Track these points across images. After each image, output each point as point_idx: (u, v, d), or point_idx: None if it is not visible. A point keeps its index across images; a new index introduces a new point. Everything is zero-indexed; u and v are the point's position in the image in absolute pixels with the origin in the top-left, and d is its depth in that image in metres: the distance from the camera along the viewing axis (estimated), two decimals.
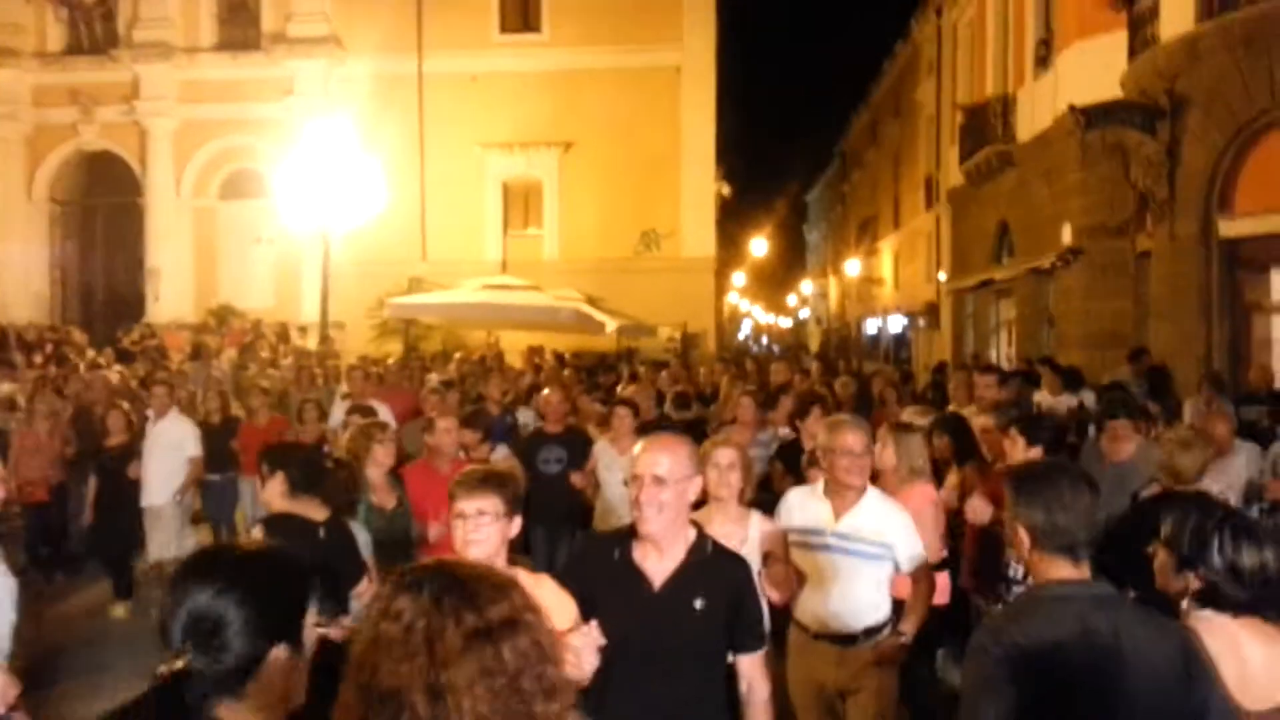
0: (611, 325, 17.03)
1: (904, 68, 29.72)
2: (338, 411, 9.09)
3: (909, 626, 4.06)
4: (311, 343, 17.77)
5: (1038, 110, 15.92)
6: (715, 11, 22.85)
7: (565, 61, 22.35)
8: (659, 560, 2.97)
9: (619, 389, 10.48)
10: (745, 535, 4.04)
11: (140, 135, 23.06)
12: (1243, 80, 10.97)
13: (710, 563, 3.01)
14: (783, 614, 4.19)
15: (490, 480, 3.10)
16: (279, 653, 1.63)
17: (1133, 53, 12.42)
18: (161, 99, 22.82)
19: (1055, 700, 2.19)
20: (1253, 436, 6.51)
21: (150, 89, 22.80)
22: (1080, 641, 2.22)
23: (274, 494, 4.13)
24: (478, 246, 22.75)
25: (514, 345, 18.62)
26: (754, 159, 61.33)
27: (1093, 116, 12.39)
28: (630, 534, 3.03)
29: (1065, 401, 9.18)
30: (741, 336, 58.48)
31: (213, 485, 8.84)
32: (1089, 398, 9.10)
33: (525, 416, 8.89)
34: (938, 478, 5.55)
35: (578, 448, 7.14)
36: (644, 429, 6.19)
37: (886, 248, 33.68)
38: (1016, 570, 4.31)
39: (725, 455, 4.13)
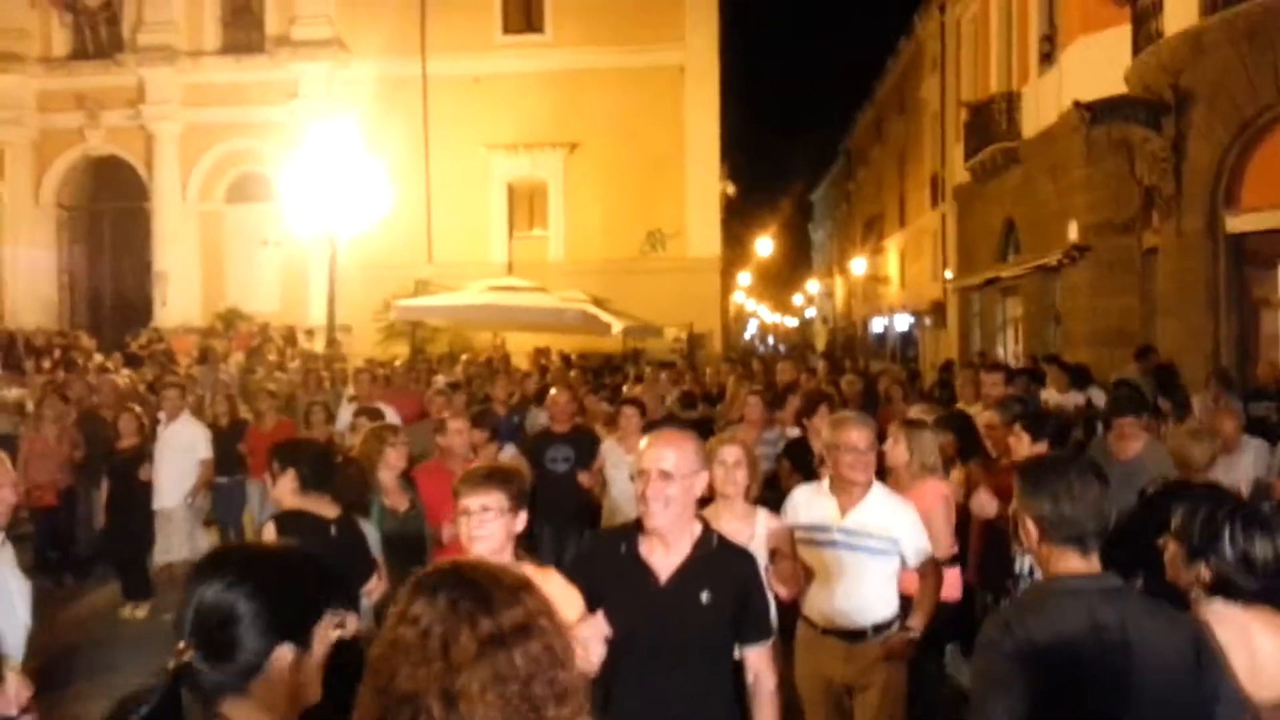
0: (617, 326, 17.04)
1: (908, 65, 29.67)
2: (345, 414, 9.12)
3: (917, 622, 4.07)
4: (318, 346, 17.84)
5: (1042, 106, 15.90)
6: (718, 10, 22.87)
7: (568, 62, 22.38)
8: (665, 555, 2.98)
9: (624, 390, 10.51)
10: (752, 532, 4.05)
11: (146, 139, 23.15)
12: (1247, 75, 10.94)
13: (716, 556, 3.01)
14: (791, 610, 4.20)
15: (494, 476, 3.11)
16: (285, 652, 1.63)
17: (1137, 48, 12.39)
18: (166, 103, 22.91)
19: (1065, 694, 2.19)
20: (1261, 433, 6.49)
21: (155, 93, 22.89)
22: (1089, 635, 2.21)
23: (285, 491, 4.14)
24: (483, 248, 22.78)
25: (520, 347, 18.65)
26: (759, 158, 61.41)
27: (1098, 112, 12.38)
28: (636, 529, 3.03)
29: (1073, 399, 9.16)
30: (748, 336, 58.47)
31: (221, 488, 8.88)
32: (1097, 395, 9.08)
33: (540, 418, 8.91)
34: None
35: (585, 447, 7.18)
36: (650, 428, 6.20)
37: (892, 246, 33.64)
38: (1022, 564, 4.30)
39: (731, 453, 4.13)
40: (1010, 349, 19.16)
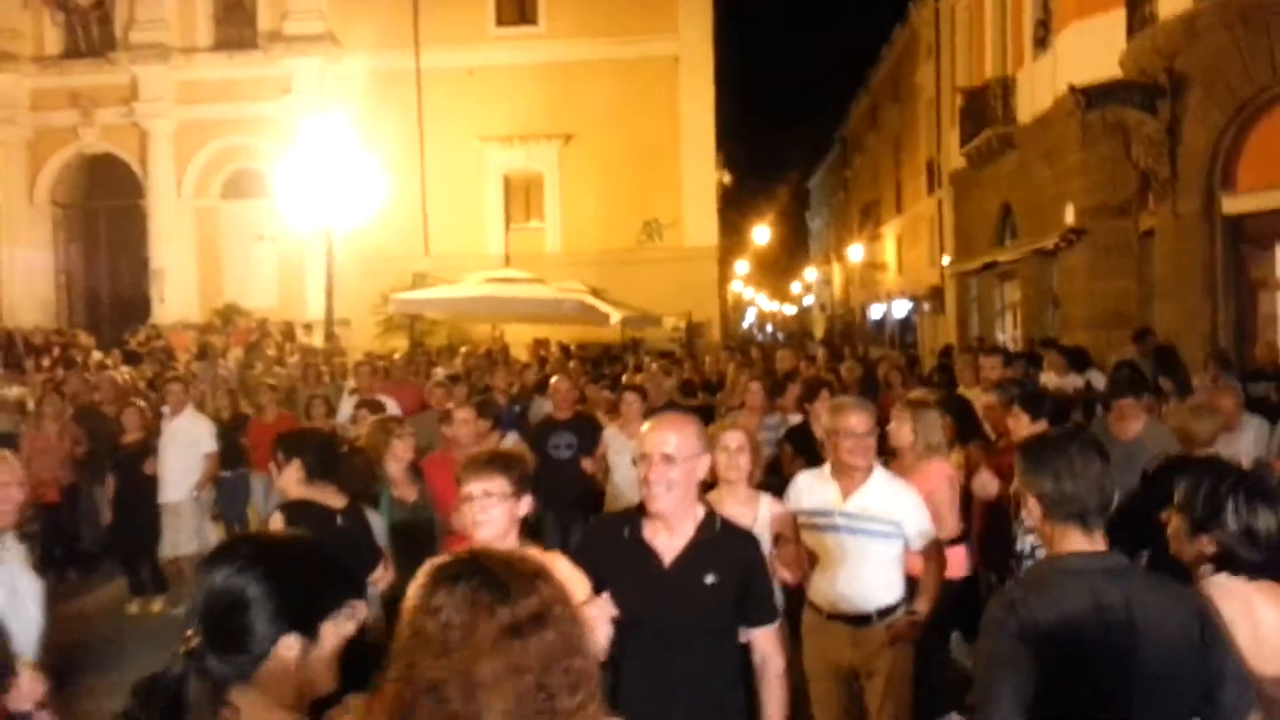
0: (616, 316, 17.03)
1: (902, 51, 29.62)
2: (346, 407, 9.14)
3: (922, 605, 4.09)
4: (317, 340, 17.84)
5: (1037, 91, 15.89)
6: (711, 0, 22.81)
7: (562, 53, 22.33)
8: (669, 538, 2.99)
9: (624, 380, 10.52)
10: (755, 517, 4.06)
11: (140, 137, 23.10)
12: (1242, 57, 10.94)
13: (720, 539, 3.02)
14: (796, 595, 4.22)
15: (496, 461, 3.11)
16: (292, 641, 1.64)
17: (1131, 31, 12.38)
18: (160, 100, 22.86)
19: (1070, 674, 2.20)
20: (1261, 413, 6.50)
21: (148, 90, 22.83)
22: (1094, 615, 2.22)
23: (290, 481, 4.14)
24: (480, 240, 22.76)
25: (519, 338, 18.65)
26: (754, 146, 61.20)
27: (1093, 96, 12.37)
28: (640, 512, 3.04)
29: (1072, 382, 9.17)
30: (746, 325, 58.46)
31: (224, 482, 8.90)
32: (1096, 378, 9.09)
33: (544, 407, 8.92)
34: None
35: (587, 434, 7.23)
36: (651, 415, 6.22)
37: (889, 232, 33.63)
38: (1024, 543, 4.33)
39: (734, 438, 4.15)
40: (1009, 333, 19.17)
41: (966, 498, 5.32)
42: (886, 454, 4.98)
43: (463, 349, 16.17)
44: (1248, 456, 5.63)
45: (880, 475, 4.14)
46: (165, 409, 8.72)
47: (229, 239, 23.42)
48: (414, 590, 1.49)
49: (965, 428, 5.89)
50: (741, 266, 49.44)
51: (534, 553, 2.80)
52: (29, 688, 3.03)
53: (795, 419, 7.09)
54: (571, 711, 1.41)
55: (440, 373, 11.18)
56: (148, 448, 8.11)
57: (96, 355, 16.45)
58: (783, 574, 4.02)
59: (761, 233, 45.63)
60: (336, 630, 1.73)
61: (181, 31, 23.16)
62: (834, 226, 48.98)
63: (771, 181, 52.67)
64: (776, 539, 4.09)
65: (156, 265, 22.93)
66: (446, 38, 22.41)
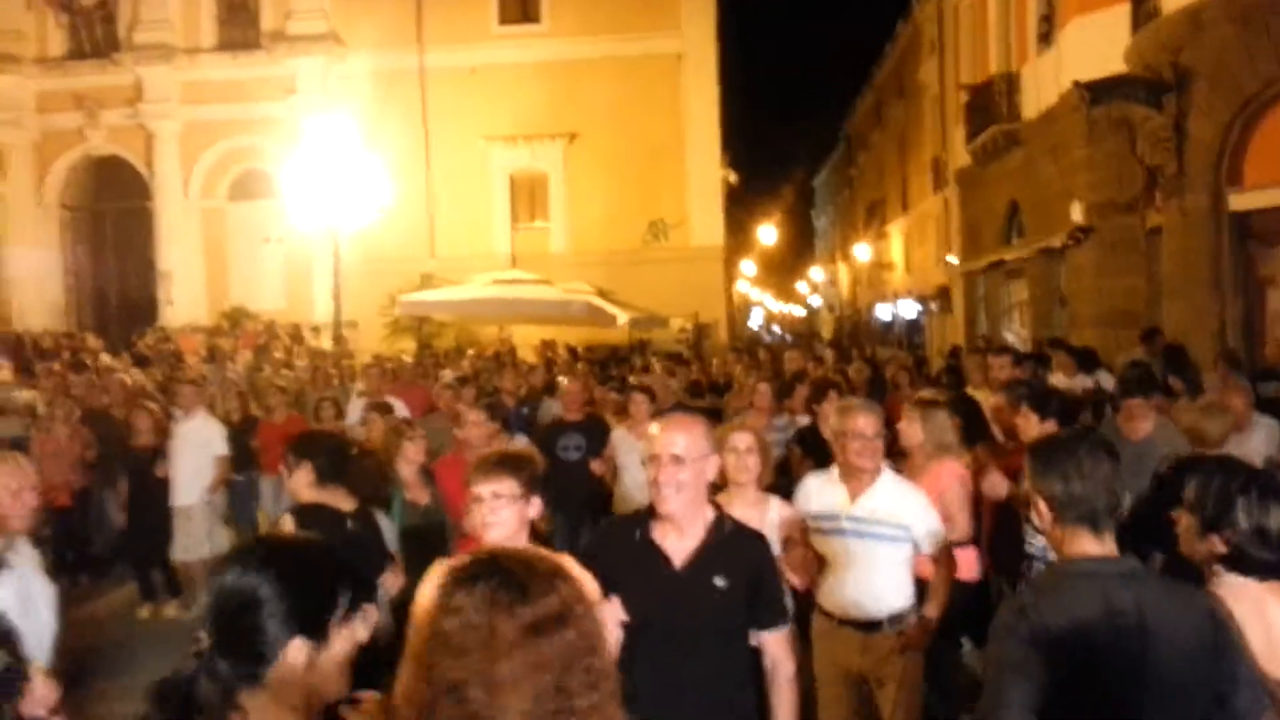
0: (623, 317, 17.04)
1: (906, 48, 29.57)
2: (354, 409, 9.15)
3: (932, 610, 4.07)
4: (325, 343, 17.86)
5: (1042, 87, 15.84)
6: None
7: (565, 52, 22.34)
8: (679, 539, 2.98)
9: (632, 381, 10.52)
10: (764, 519, 4.03)
11: (146, 138, 23.17)
12: (1247, 52, 10.89)
13: (730, 541, 3.02)
14: (805, 599, 4.21)
15: (505, 463, 3.11)
16: (300, 644, 1.64)
17: (1135, 26, 12.35)
18: (165, 101, 22.93)
19: (1081, 680, 2.19)
20: (1271, 413, 6.47)
21: (153, 91, 22.90)
22: (1105, 620, 2.20)
23: (301, 484, 4.14)
24: (486, 240, 22.78)
25: (526, 340, 18.68)
26: (759, 145, 61.32)
27: (1098, 92, 12.31)
28: (649, 514, 3.03)
29: (1080, 383, 9.12)
30: (754, 326, 58.37)
31: (235, 485, 8.91)
32: (1105, 378, 9.04)
33: (553, 408, 8.93)
34: None
35: (596, 435, 7.24)
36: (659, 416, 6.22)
37: (896, 231, 33.57)
38: (1033, 543, 4.31)
39: (743, 439, 4.14)
40: (1017, 333, 19.12)
41: (975, 501, 5.30)
42: (897, 455, 4.97)
43: (470, 351, 16.20)
44: (1258, 456, 5.60)
45: (888, 477, 4.12)
46: (177, 411, 8.73)
47: (236, 240, 23.48)
48: (432, 591, 1.50)
49: (973, 429, 5.86)
50: (748, 267, 49.37)
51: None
52: (42, 693, 3.04)
53: (803, 420, 7.08)
54: (589, 710, 1.42)
55: (448, 375, 11.21)
56: (159, 451, 8.13)
57: (105, 359, 16.48)
58: (790, 578, 4.01)
59: (767, 232, 45.54)
60: (349, 634, 1.72)
61: (185, 32, 23.23)
62: (840, 225, 48.92)
63: (776, 180, 52.80)
64: (785, 542, 4.08)
65: (164, 267, 23.00)
66: (450, 37, 22.43)
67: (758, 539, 3.18)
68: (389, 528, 4.63)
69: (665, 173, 22.58)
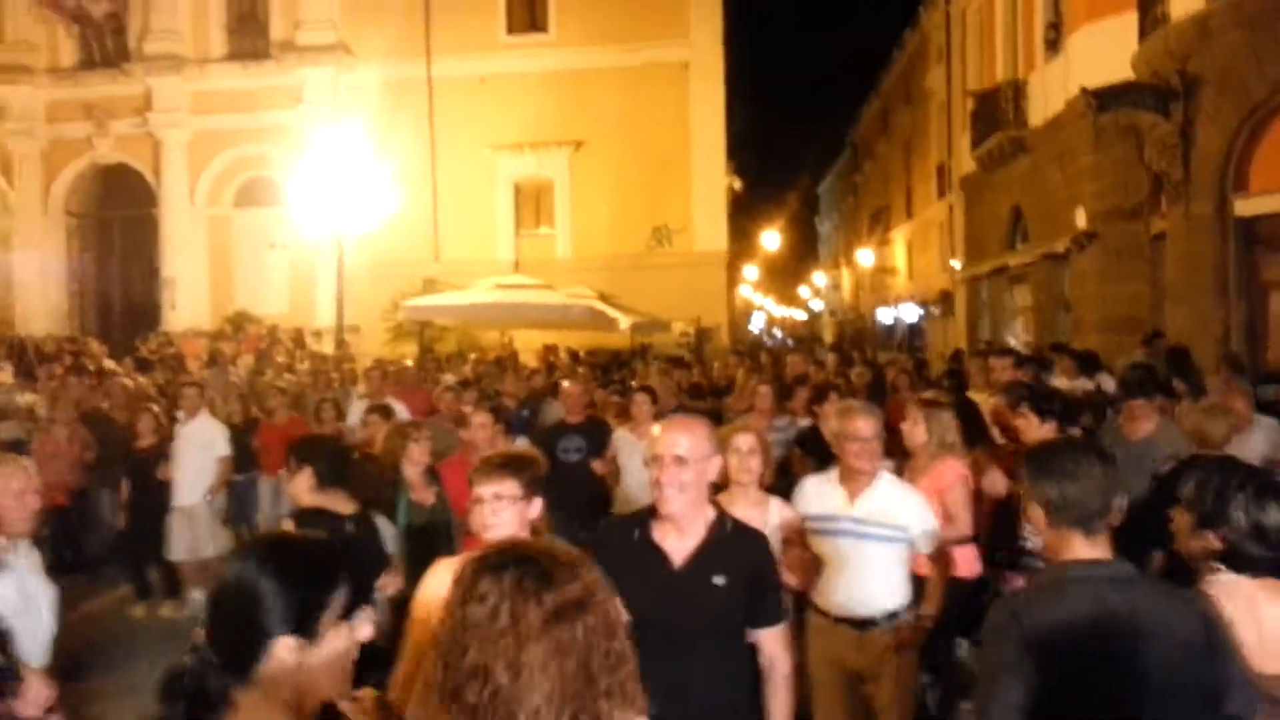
0: (625, 322, 17.06)
1: (913, 55, 29.62)
2: (355, 411, 9.16)
3: (929, 609, 4.08)
4: (327, 347, 17.90)
5: (1049, 94, 15.85)
6: (721, 6, 22.86)
7: (573, 61, 22.40)
8: (679, 539, 2.99)
9: (633, 385, 10.53)
10: (765, 520, 4.04)
11: (154, 147, 23.27)
12: (1255, 58, 10.89)
13: (730, 540, 3.02)
14: (803, 599, 4.21)
15: (507, 464, 3.12)
16: (290, 641, 1.63)
17: (1143, 33, 12.34)
18: (174, 110, 23.03)
19: (1074, 682, 2.19)
20: (1272, 417, 6.46)
21: (162, 101, 23.01)
22: (1098, 623, 2.21)
23: (302, 489, 4.14)
24: (490, 247, 22.83)
25: (528, 344, 18.69)
26: (764, 152, 61.28)
27: (1105, 99, 12.32)
28: (650, 514, 3.04)
29: (1081, 385, 9.11)
30: (756, 330, 58.41)
31: (235, 486, 8.93)
32: (1106, 381, 9.04)
33: (555, 410, 8.93)
34: None
35: (597, 437, 7.24)
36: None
37: (899, 237, 33.59)
38: (1031, 540, 4.30)
39: (745, 440, 4.15)
40: (1020, 338, 19.10)
41: (976, 499, 5.29)
42: (899, 455, 4.97)
43: (472, 355, 16.22)
44: (1258, 456, 5.60)
45: (886, 479, 4.14)
46: (179, 414, 8.76)
47: (241, 247, 23.56)
48: (452, 580, 1.56)
49: (972, 432, 5.85)
50: (750, 272, 49.43)
51: None
52: (38, 692, 3.04)
53: (804, 422, 7.08)
54: (610, 691, 1.50)
55: (450, 378, 11.21)
56: (161, 453, 8.15)
57: (107, 363, 16.52)
58: (788, 578, 4.01)
59: (771, 238, 45.61)
60: (346, 633, 1.72)
61: (195, 42, 23.34)
62: (844, 231, 48.97)
63: (781, 186, 52.89)
64: (784, 543, 4.08)
65: (168, 273, 23.08)
66: (458, 46, 22.51)
67: (758, 538, 3.18)
68: (388, 530, 4.62)
69: (670, 180, 22.62)
